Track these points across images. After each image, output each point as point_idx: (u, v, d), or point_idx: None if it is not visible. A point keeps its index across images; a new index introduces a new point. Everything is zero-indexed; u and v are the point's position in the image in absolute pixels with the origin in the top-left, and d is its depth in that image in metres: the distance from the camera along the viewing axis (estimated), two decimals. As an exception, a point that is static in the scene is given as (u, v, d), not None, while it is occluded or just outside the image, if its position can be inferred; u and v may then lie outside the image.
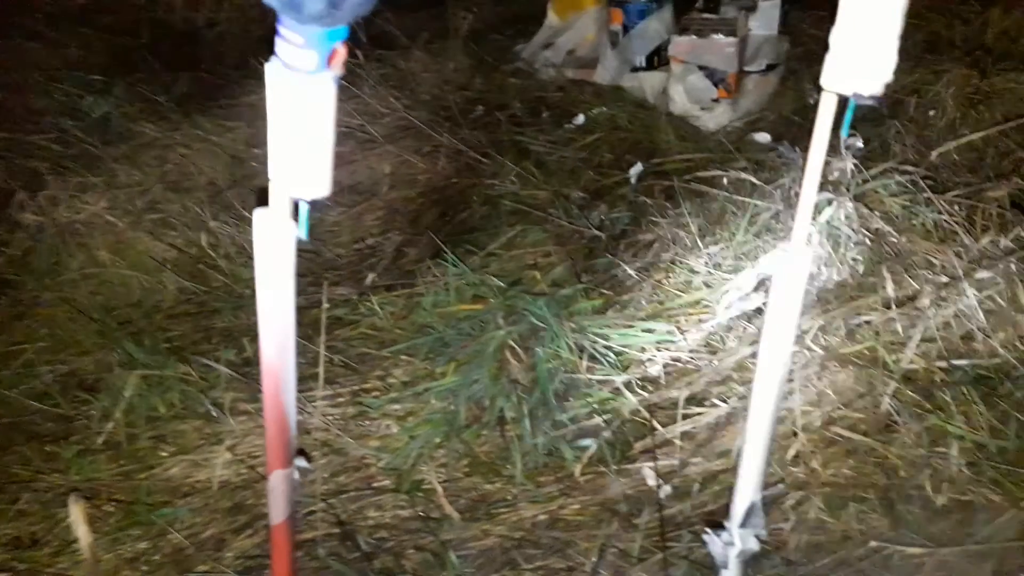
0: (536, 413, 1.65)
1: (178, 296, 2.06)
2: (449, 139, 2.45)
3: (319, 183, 0.71)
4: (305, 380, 1.54)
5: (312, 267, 2.10)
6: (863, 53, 0.78)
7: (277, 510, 0.88)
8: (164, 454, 1.64)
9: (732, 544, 0.92)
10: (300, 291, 2.01)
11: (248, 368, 1.77)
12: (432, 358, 1.79)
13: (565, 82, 2.84)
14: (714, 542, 0.94)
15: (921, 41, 2.71)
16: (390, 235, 2.26)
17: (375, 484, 1.59)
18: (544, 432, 1.62)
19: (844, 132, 0.82)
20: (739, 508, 0.94)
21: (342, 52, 0.65)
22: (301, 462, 0.91)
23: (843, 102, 0.82)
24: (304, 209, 0.74)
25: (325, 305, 1.84)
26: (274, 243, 0.76)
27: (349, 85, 2.64)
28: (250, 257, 1.96)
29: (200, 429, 1.66)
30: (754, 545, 0.93)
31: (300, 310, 1.94)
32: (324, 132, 0.70)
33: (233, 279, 2.03)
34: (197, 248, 2.15)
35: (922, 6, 2.90)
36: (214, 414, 1.67)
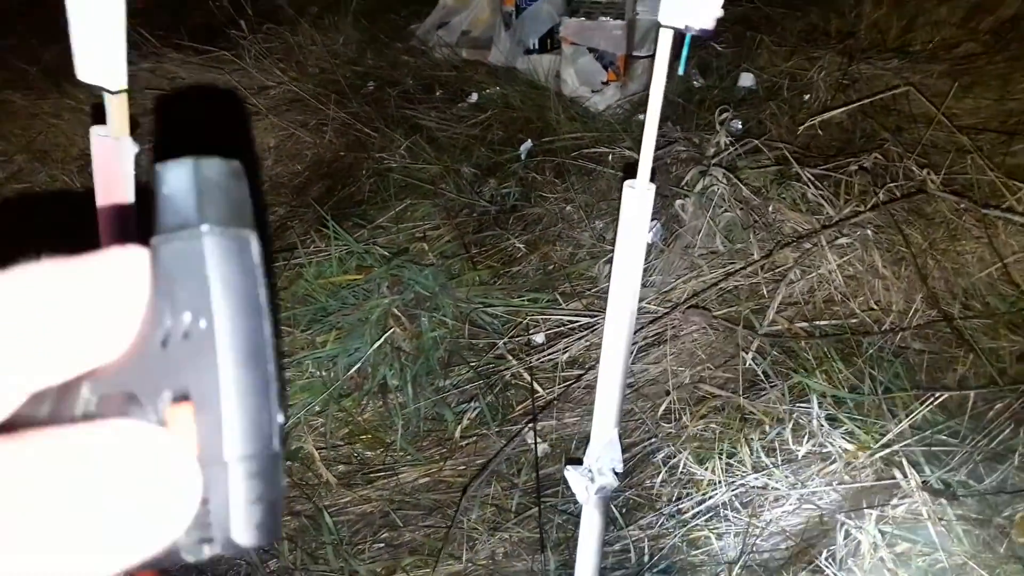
0: (419, 380, 1.64)
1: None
2: (337, 113, 2.41)
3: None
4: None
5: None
6: None
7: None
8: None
9: (590, 478, 0.94)
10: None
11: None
12: (313, 328, 1.76)
13: (459, 62, 2.83)
14: (573, 477, 0.96)
15: (798, 31, 2.84)
16: (274, 208, 2.21)
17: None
18: (427, 398, 1.61)
19: (681, 67, 0.85)
20: (596, 443, 0.96)
21: None
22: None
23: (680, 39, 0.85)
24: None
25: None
26: (114, 163, 0.73)
27: (233, 58, 2.56)
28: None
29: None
30: (611, 479, 0.95)
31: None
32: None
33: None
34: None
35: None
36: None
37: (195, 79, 2.48)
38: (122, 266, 0.19)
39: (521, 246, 2.01)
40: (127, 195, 0.77)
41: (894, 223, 1.71)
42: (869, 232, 1.69)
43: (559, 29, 2.74)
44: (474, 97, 2.67)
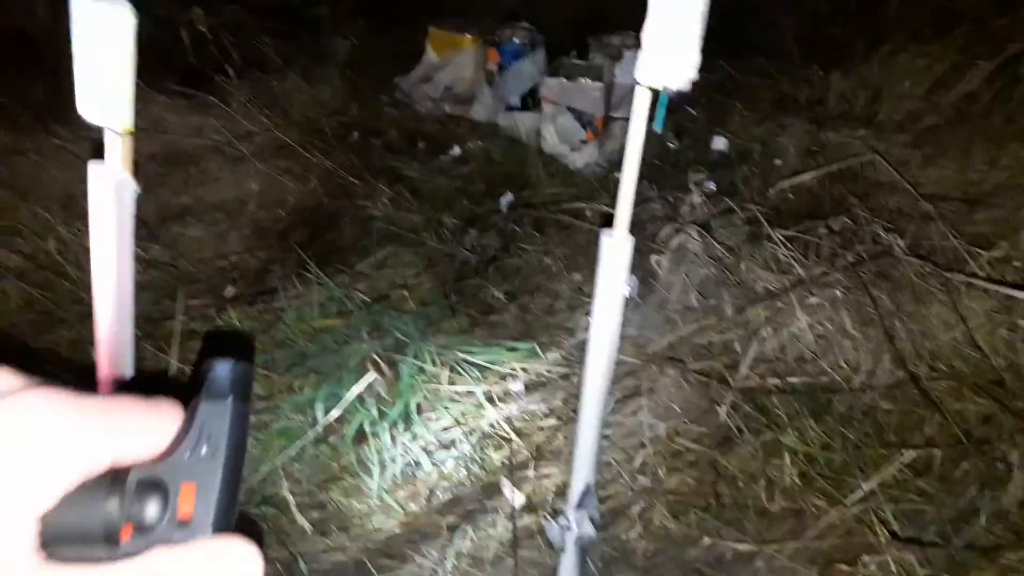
0: (397, 426, 1.64)
1: (22, 305, 1.93)
2: (321, 161, 2.45)
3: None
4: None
5: (168, 280, 2.03)
6: (669, 52, 0.87)
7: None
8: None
9: (569, 528, 0.96)
10: (154, 303, 1.95)
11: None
12: (291, 372, 1.76)
13: (442, 116, 2.90)
14: (552, 527, 0.97)
15: (770, 98, 2.96)
16: (255, 252, 2.22)
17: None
18: (404, 445, 1.61)
19: (657, 125, 0.90)
20: (574, 492, 0.98)
21: None
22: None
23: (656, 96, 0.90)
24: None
25: (180, 317, 1.78)
26: (113, 203, 0.74)
27: (219, 102, 2.60)
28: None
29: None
30: (589, 529, 0.97)
31: (154, 322, 1.87)
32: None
33: (82, 287, 1.93)
34: (45, 255, 2.03)
35: (772, 68, 3.17)
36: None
37: (181, 122, 2.50)
38: (169, 412, 0.31)
39: (501, 296, 2.04)
40: (124, 234, 0.78)
41: (862, 285, 1.77)
42: (838, 293, 1.75)
43: (540, 88, 2.82)
44: (456, 150, 2.73)
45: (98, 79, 0.70)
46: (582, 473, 0.97)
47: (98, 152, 0.75)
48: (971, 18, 2.77)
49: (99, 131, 0.77)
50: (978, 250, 1.85)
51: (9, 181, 2.26)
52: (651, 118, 0.89)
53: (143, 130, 2.48)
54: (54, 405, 0.27)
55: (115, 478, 0.29)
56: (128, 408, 0.30)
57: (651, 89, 0.85)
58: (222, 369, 0.31)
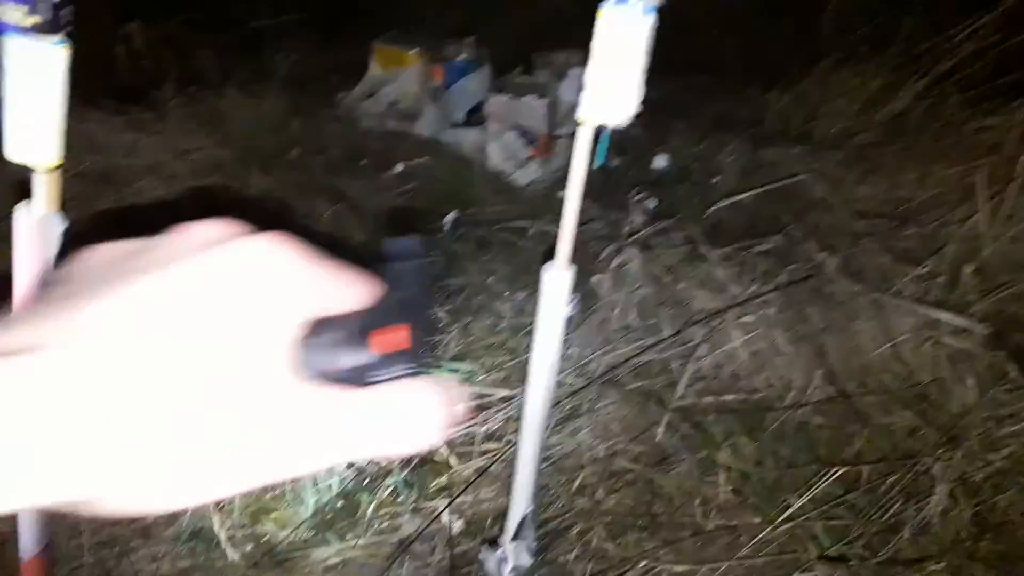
0: (334, 453, 1.62)
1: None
2: (260, 179, 2.41)
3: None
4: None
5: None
6: (612, 90, 0.88)
7: (28, 542, 0.81)
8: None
9: (505, 560, 0.95)
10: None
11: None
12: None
13: (386, 132, 2.88)
14: (489, 558, 0.97)
15: (710, 116, 3.01)
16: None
17: (151, 534, 1.49)
18: (339, 475, 1.59)
19: (599, 159, 0.91)
20: (512, 523, 0.98)
21: None
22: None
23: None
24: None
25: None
26: (38, 240, 0.72)
27: (155, 119, 2.55)
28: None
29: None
30: (525, 560, 0.97)
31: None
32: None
33: None
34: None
35: (711, 86, 3.23)
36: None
37: (115, 140, 2.45)
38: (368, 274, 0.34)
39: (443, 316, 2.03)
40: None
41: (795, 303, 1.81)
42: (772, 311, 1.78)
43: (485, 106, 2.83)
44: (400, 167, 2.72)
45: (28, 118, 0.69)
46: (520, 506, 0.97)
47: (23, 190, 0.73)
48: (902, 38, 2.87)
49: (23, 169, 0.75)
50: (905, 267, 1.90)
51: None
52: (593, 152, 0.90)
53: (74, 149, 2.42)
54: (291, 251, 0.31)
55: (332, 322, 0.33)
56: (341, 266, 0.33)
57: (594, 126, 0.86)
58: (406, 241, 0.36)
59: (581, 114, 0.90)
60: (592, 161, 0.93)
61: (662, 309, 1.81)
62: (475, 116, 2.96)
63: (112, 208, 2.19)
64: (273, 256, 0.30)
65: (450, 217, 2.43)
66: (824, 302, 1.86)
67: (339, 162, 2.65)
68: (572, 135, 3.02)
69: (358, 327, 0.33)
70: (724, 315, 1.79)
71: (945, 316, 1.71)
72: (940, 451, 1.52)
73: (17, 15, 0.69)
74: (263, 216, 0.36)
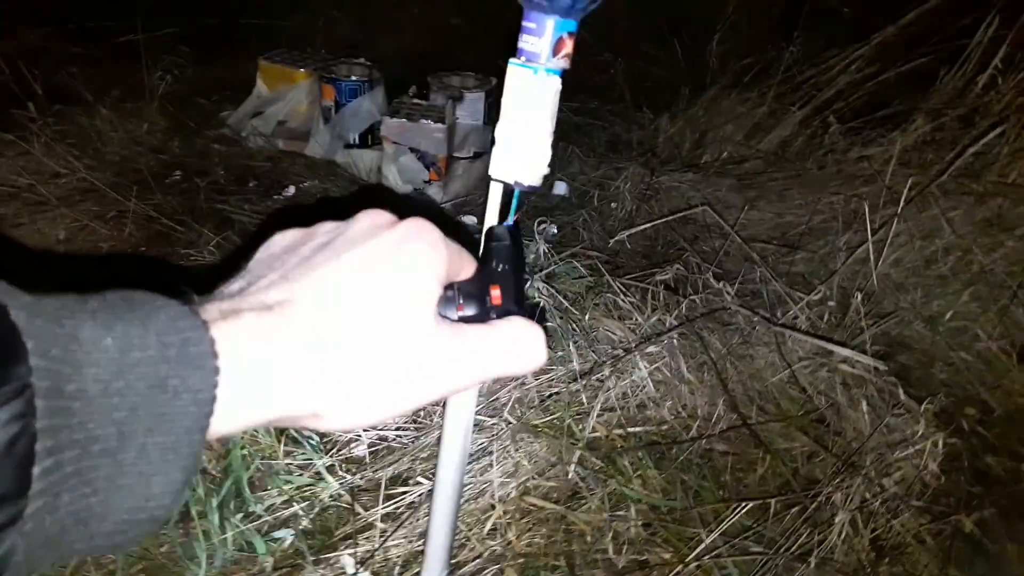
0: (227, 505, 1.51)
1: None
2: (138, 204, 2.25)
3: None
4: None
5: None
6: (522, 149, 0.85)
7: None
8: None
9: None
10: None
11: None
12: (105, 449, 1.58)
13: (275, 153, 2.76)
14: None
15: (605, 141, 3.05)
16: (62, 309, 1.99)
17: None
18: (235, 526, 1.48)
19: (510, 217, 0.87)
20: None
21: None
22: None
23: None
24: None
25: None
26: None
27: (18, 140, 2.33)
28: None
29: None
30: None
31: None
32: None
33: None
34: None
35: (606, 111, 3.28)
36: None
37: (-30, 162, 2.23)
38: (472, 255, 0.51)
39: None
40: None
41: (695, 331, 1.83)
42: (675, 340, 1.80)
43: (381, 128, 2.76)
44: (291, 190, 2.61)
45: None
46: (435, 565, 0.91)
47: None
48: (783, 68, 3.00)
49: None
50: (799, 293, 1.97)
51: None
52: (504, 211, 0.86)
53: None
54: (432, 232, 0.46)
55: (456, 284, 0.48)
56: (458, 244, 0.48)
57: (504, 184, 0.82)
58: (500, 228, 0.54)
59: (492, 172, 0.86)
60: (505, 217, 0.89)
61: (569, 341, 1.79)
62: (369, 137, 2.89)
63: None
64: (423, 237, 0.45)
65: (346, 244, 2.35)
66: (724, 329, 1.89)
67: (225, 185, 2.51)
68: (471, 157, 2.99)
69: (474, 287, 0.48)
70: (629, 344, 1.79)
71: (835, 347, 1.78)
72: (839, 479, 1.57)
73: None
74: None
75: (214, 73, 3.13)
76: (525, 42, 0.81)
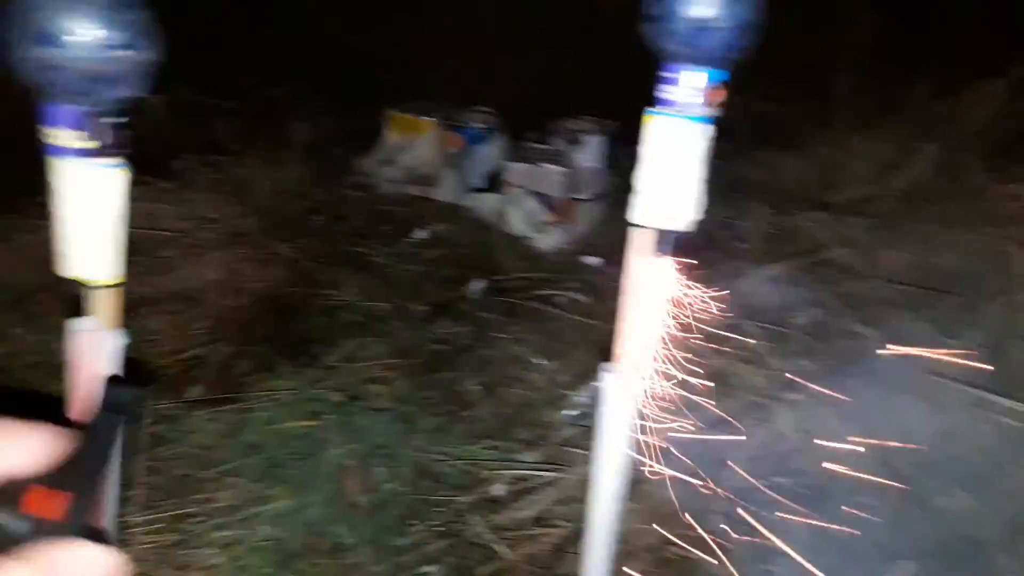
0: (376, 539, 1.56)
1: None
2: (284, 248, 2.38)
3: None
4: (119, 504, 1.38)
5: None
6: (670, 195, 0.86)
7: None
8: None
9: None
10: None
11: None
12: (262, 479, 1.67)
13: (406, 197, 2.88)
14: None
15: (726, 180, 3.02)
16: (217, 345, 2.12)
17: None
18: (383, 559, 1.53)
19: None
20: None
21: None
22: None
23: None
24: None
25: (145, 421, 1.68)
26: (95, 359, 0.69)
27: (177, 188, 2.53)
28: (54, 368, 1.77)
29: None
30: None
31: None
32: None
33: (22, 403, 1.80)
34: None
35: (727, 149, 3.25)
36: None
37: (136, 210, 2.42)
38: (57, 433, 0.34)
39: (475, 388, 1.99)
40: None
41: (839, 379, 1.78)
42: (815, 388, 1.75)
43: (504, 173, 2.83)
44: (421, 233, 2.70)
45: (85, 238, 0.66)
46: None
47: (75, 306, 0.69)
48: (914, 103, 2.90)
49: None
50: (947, 340, 1.88)
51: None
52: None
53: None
54: None
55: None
56: (17, 429, 0.34)
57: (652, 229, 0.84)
58: (121, 391, 0.35)
59: (636, 217, 0.88)
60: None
61: (702, 383, 1.77)
62: (493, 182, 2.97)
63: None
64: None
65: (477, 285, 2.41)
66: (868, 376, 1.83)
67: (361, 229, 2.63)
68: (589, 200, 3.02)
69: (16, 485, 0.32)
70: (767, 390, 1.76)
71: (996, 398, 1.69)
72: (1011, 542, 1.48)
73: (74, 139, 0.67)
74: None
75: (347, 124, 3.29)
76: (666, 92, 0.83)
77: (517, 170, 2.80)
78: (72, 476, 0.33)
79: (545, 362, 2.05)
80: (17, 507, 0.31)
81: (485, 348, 2.13)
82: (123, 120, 0.66)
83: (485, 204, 2.90)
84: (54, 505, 0.32)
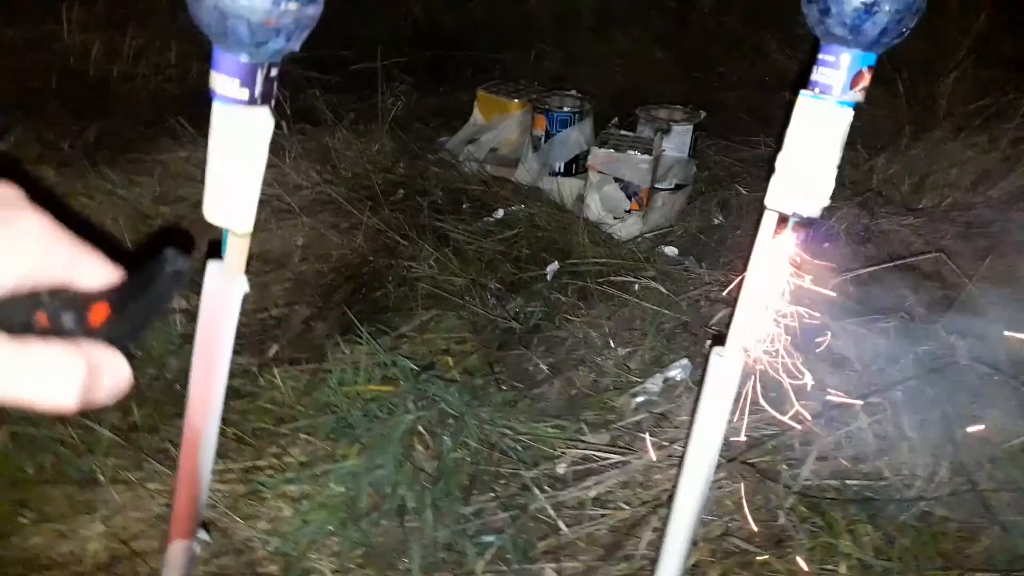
0: (439, 504, 1.60)
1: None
2: (368, 218, 2.44)
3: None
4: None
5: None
6: (806, 180, 0.85)
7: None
8: (25, 521, 1.48)
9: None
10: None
11: (133, 434, 1.65)
12: (334, 439, 1.73)
13: (487, 177, 2.90)
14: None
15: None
16: (298, 307, 2.20)
17: (260, 570, 1.48)
18: (446, 525, 1.57)
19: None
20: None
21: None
22: (203, 535, 0.85)
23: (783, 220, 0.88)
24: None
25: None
26: (223, 299, 0.73)
27: (270, 155, 2.61)
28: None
29: (72, 497, 1.51)
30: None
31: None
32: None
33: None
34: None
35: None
36: (92, 480, 1.54)
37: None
38: (114, 266, 0.43)
39: (545, 368, 2.01)
40: (228, 332, 0.77)
41: (923, 385, 1.73)
42: (899, 393, 1.70)
43: (588, 157, 2.83)
44: (500, 213, 2.72)
45: (228, 184, 0.70)
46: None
47: (214, 251, 0.74)
48: (1022, 113, 2.77)
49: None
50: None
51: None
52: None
53: (191, 180, 2.50)
54: (28, 222, 0.39)
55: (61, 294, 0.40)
56: (96, 254, 0.41)
57: (782, 214, 0.84)
58: (176, 254, 0.41)
59: (769, 201, 0.87)
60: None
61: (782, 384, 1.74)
62: (575, 165, 2.96)
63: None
64: (9, 224, 0.38)
65: (552, 267, 2.42)
66: (952, 386, 1.77)
67: (442, 205, 2.67)
68: (673, 189, 2.99)
69: (82, 301, 0.40)
70: (847, 393, 1.72)
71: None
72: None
73: (229, 86, 0.70)
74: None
75: (434, 101, 3.34)
76: (821, 74, 0.82)
77: (602, 156, 2.78)
78: (122, 301, 0.40)
79: (616, 347, 2.06)
80: (81, 312, 0.40)
81: (556, 329, 2.14)
82: (278, 74, 0.70)
83: (566, 188, 2.91)
84: (103, 317, 0.40)
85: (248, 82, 0.71)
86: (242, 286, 0.76)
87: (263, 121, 0.72)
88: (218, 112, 0.72)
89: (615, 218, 2.79)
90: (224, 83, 0.71)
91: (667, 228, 2.79)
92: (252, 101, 0.71)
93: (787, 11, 3.97)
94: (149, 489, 1.58)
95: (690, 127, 2.94)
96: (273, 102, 0.73)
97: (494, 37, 4.01)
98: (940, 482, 1.64)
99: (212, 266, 0.77)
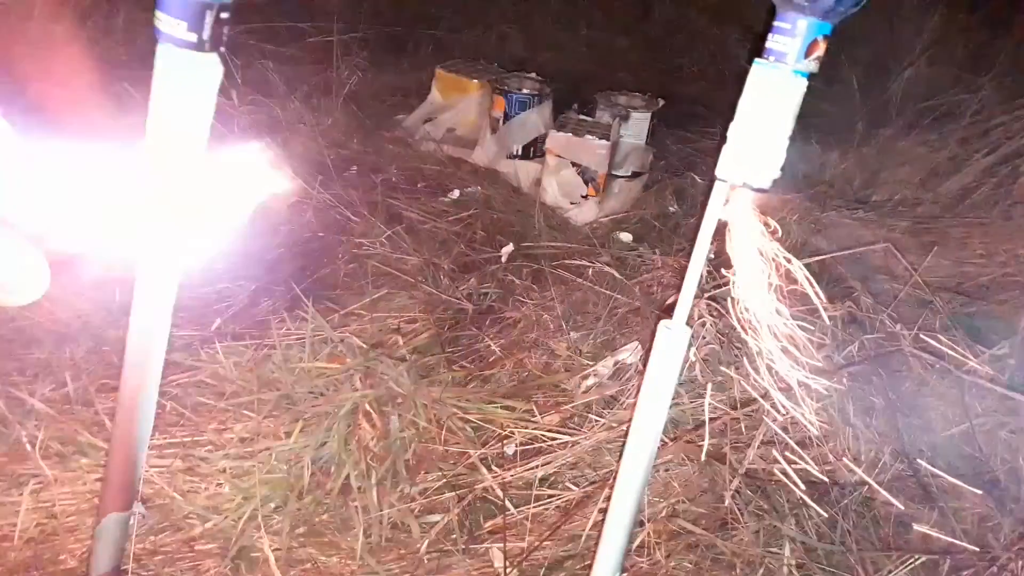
0: (385, 483, 1.57)
1: (-10, 320, 1.83)
2: (319, 193, 2.39)
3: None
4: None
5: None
6: (757, 150, 0.84)
7: (103, 560, 0.77)
8: (-53, 495, 1.41)
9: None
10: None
11: (67, 406, 1.58)
12: (277, 415, 1.68)
13: (443, 157, 2.87)
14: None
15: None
16: (243, 282, 2.13)
17: (197, 547, 1.43)
18: (391, 504, 1.54)
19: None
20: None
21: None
22: (139, 509, 0.81)
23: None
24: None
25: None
26: (160, 271, 0.69)
27: (217, 125, 2.53)
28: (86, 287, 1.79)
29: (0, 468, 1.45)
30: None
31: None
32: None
33: (63, 307, 1.83)
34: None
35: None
36: (21, 453, 1.47)
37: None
38: None
39: (496, 349, 1.99)
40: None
41: (867, 373, 1.75)
42: (844, 380, 1.72)
43: (546, 141, 2.81)
44: (456, 194, 2.69)
45: (172, 133, 0.66)
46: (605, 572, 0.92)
47: None
48: (972, 112, 2.84)
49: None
50: (980, 346, 1.85)
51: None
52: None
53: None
54: None
55: None
56: None
57: (732, 185, 0.83)
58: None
59: (719, 172, 0.86)
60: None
61: (732, 367, 1.75)
62: (532, 149, 2.94)
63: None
64: None
65: (507, 249, 2.40)
66: (896, 374, 1.80)
67: (397, 183, 2.63)
68: (629, 176, 2.99)
69: None
70: (794, 379, 1.73)
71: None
72: (1017, 547, 1.46)
73: (175, 27, 0.66)
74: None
75: (392, 78, 3.28)
76: (775, 42, 0.81)
77: (560, 140, 2.77)
78: None
79: (568, 330, 2.04)
80: None
81: (509, 311, 2.12)
82: (229, 18, 0.66)
83: (522, 171, 2.89)
84: None
85: (196, 25, 0.67)
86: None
87: (211, 69, 0.68)
88: (163, 55, 0.68)
89: (571, 203, 2.78)
90: (170, 24, 0.66)
91: (623, 214, 2.79)
92: (200, 46, 0.67)
93: (749, 7, 4.01)
94: (82, 464, 1.52)
95: (648, 115, 2.94)
96: (223, 48, 0.69)
97: (457, 16, 3.97)
98: (883, 468, 1.67)
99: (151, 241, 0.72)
